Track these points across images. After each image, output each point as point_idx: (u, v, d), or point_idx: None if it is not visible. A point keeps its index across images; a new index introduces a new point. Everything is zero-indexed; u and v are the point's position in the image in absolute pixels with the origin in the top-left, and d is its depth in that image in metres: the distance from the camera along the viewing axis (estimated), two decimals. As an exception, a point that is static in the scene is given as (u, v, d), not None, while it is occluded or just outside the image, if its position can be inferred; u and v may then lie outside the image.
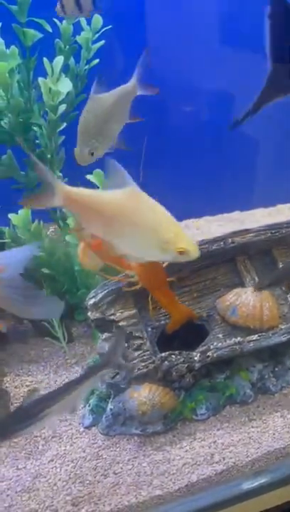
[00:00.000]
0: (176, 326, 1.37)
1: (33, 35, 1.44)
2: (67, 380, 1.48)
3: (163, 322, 1.40)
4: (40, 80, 1.41)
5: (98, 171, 1.58)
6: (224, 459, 1.23)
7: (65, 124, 1.52)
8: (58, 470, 1.22)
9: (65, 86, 1.40)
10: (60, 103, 1.45)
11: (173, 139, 2.21)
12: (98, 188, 1.59)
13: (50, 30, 1.49)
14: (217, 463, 1.22)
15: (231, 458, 1.23)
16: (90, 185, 1.59)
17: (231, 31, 2.02)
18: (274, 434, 1.28)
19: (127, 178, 0.99)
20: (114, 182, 1.01)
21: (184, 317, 1.38)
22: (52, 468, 1.22)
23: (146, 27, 1.93)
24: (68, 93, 1.48)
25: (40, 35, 1.47)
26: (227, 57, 2.01)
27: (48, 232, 1.77)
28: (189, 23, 1.97)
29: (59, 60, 1.44)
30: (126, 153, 1.18)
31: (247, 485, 1.20)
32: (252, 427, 1.30)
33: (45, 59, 1.44)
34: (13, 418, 1.07)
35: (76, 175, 1.62)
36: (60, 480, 1.19)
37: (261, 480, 1.21)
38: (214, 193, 2.28)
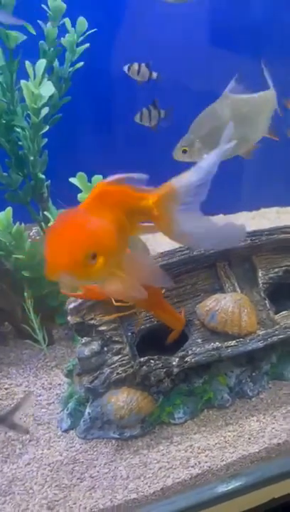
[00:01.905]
0: (178, 335, 1.40)
1: (16, 37, 1.43)
2: (46, 383, 1.49)
3: (143, 327, 1.41)
4: (23, 82, 1.41)
5: (81, 174, 1.58)
6: (199, 462, 1.24)
7: (48, 127, 1.51)
8: (35, 474, 1.22)
9: (48, 90, 1.39)
10: (43, 106, 1.44)
11: (158, 141, 2.20)
12: (81, 191, 1.59)
13: (34, 32, 1.49)
14: (192, 467, 1.23)
15: (206, 462, 1.24)
16: (74, 188, 1.60)
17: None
18: (249, 438, 1.30)
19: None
20: None
21: (183, 324, 1.40)
22: (28, 471, 1.23)
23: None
24: (52, 96, 1.48)
25: (23, 38, 1.46)
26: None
27: (31, 234, 1.76)
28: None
29: (41, 63, 1.43)
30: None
31: (221, 488, 1.22)
32: (229, 431, 1.32)
33: (27, 62, 1.43)
34: None
35: (59, 178, 1.62)
36: (36, 484, 1.20)
37: (236, 483, 1.23)
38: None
